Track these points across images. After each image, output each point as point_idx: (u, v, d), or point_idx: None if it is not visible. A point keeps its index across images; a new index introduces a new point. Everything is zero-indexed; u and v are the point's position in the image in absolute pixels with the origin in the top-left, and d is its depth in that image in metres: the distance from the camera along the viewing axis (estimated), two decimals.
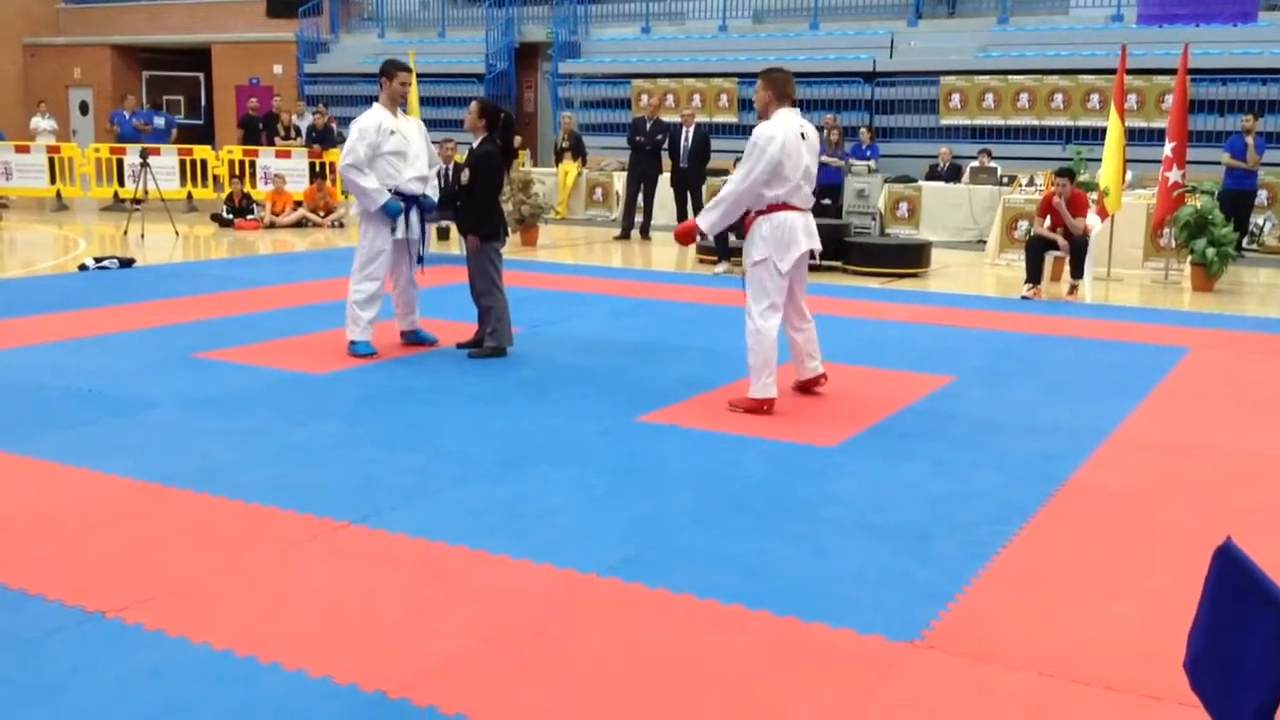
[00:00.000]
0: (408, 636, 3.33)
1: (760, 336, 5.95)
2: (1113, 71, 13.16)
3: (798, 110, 6.14)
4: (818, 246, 6.11)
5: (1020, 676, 3.17)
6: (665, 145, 15.18)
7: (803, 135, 5.97)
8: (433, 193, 7.59)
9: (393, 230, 7.25)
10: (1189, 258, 11.27)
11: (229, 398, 6.16)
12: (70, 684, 3.02)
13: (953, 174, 16.04)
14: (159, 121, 19.04)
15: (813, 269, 6.37)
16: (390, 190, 7.20)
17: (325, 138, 17.61)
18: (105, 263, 11.18)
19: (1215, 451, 5.50)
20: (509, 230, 8.12)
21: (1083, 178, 11.74)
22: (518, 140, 15.48)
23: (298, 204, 16.26)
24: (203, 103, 26.17)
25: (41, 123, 19.69)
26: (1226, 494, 4.87)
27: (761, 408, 5.99)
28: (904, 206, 15.53)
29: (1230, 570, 1.79)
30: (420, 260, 7.61)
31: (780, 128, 5.89)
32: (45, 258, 12.74)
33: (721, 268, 12.06)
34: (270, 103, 19.54)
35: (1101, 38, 16.86)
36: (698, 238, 6.10)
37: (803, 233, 6.00)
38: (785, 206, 5.95)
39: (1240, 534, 2.33)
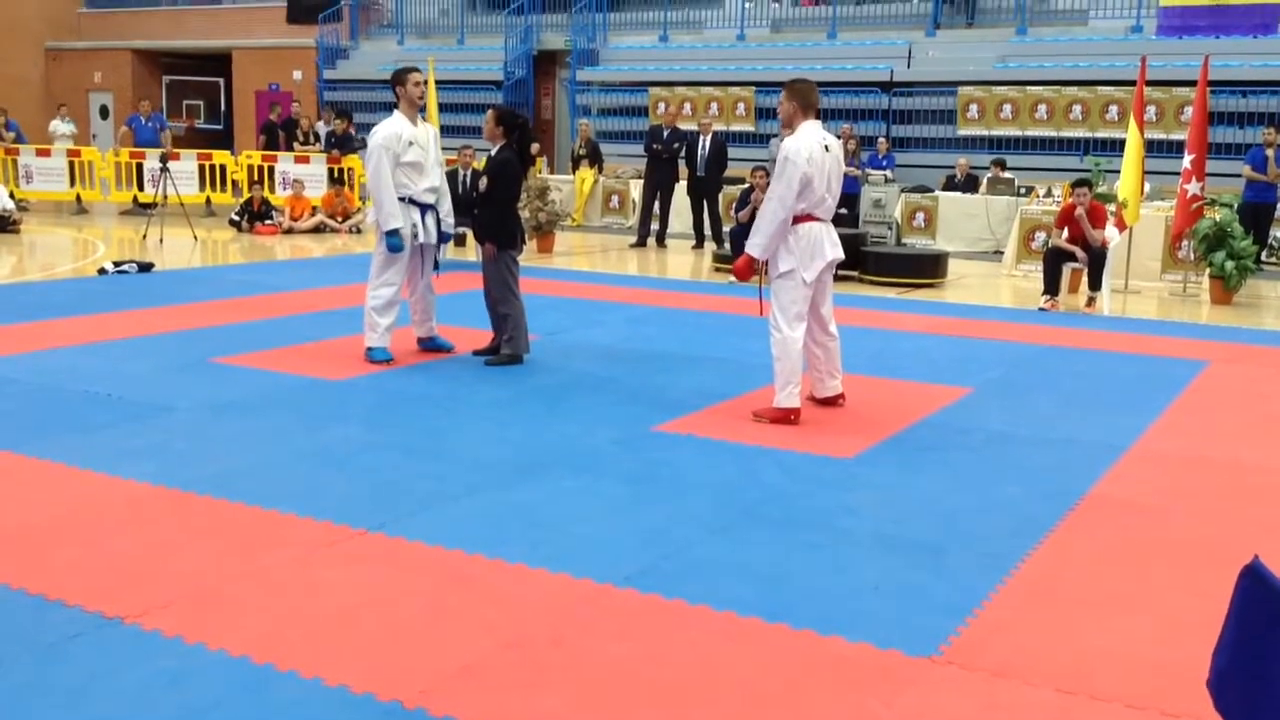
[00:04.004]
0: (424, 644, 3.33)
1: (787, 346, 5.97)
2: (1132, 83, 13.11)
3: (820, 122, 6.14)
4: (841, 256, 6.15)
5: (1039, 692, 3.15)
6: (682, 154, 15.20)
7: (826, 148, 5.97)
8: (445, 205, 7.57)
9: (414, 236, 7.28)
10: (1207, 270, 11.21)
11: (247, 403, 6.18)
12: (89, 689, 3.03)
13: (969, 184, 15.99)
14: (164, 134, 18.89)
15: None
16: (404, 200, 7.22)
17: (345, 143, 17.66)
18: (124, 267, 11.24)
19: (1235, 466, 5.47)
20: (525, 237, 8.13)
21: (1101, 189, 11.69)
22: (535, 147, 15.51)
23: (315, 209, 16.34)
24: (222, 108, 26.29)
25: (61, 126, 19.51)
26: (1246, 509, 4.84)
27: (788, 417, 5.99)
28: (920, 216, 15.49)
29: (1256, 589, 1.78)
30: (437, 266, 7.64)
31: (805, 142, 5.90)
32: (64, 261, 12.81)
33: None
34: (290, 108, 19.58)
35: (1121, 49, 16.80)
36: (756, 266, 6.14)
37: (828, 243, 6.04)
38: (809, 218, 5.97)
39: (1261, 550, 2.32)
